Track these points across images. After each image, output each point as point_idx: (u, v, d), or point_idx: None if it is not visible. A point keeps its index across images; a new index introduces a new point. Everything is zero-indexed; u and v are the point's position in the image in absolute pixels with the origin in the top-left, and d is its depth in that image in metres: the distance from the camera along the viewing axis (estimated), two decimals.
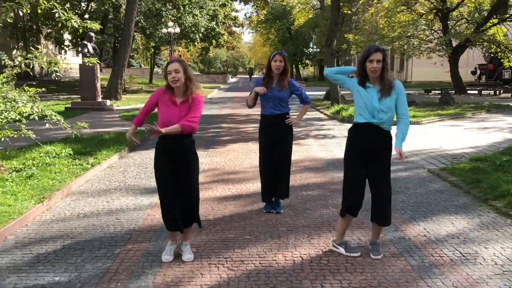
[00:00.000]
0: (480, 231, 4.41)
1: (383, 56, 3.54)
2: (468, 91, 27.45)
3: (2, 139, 6.42)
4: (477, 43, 26.63)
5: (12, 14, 6.09)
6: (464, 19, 27.67)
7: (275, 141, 4.90)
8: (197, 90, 3.66)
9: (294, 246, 4.05)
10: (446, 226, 4.54)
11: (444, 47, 25.94)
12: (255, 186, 6.00)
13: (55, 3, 6.24)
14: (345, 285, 3.31)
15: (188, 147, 3.71)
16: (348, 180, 3.84)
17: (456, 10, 27.02)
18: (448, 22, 27.12)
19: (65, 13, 6.32)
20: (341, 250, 3.88)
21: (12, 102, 6.23)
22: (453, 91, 25.84)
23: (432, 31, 27.88)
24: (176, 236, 3.86)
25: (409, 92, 26.22)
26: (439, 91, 26.03)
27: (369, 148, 3.72)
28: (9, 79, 6.40)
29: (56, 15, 6.20)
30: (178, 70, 3.54)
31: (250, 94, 4.89)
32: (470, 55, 37.92)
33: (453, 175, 6.51)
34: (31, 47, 31.45)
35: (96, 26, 6.66)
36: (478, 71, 37.24)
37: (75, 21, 6.44)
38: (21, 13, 6.23)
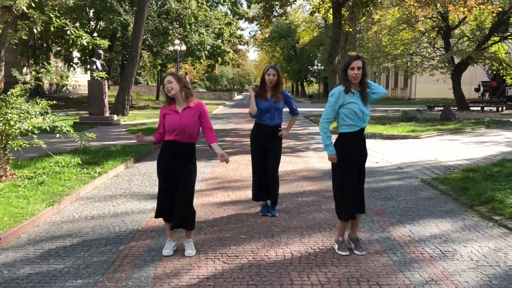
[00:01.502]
0: (462, 232, 4.69)
1: (363, 63, 3.92)
2: (471, 108, 27.74)
3: (15, 149, 6.81)
4: (479, 61, 26.99)
5: (26, 32, 6.51)
6: (466, 37, 28.13)
7: (266, 149, 5.25)
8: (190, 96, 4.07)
9: (285, 244, 4.35)
10: (431, 228, 4.82)
11: (446, 64, 26.35)
12: None
13: (66, 22, 6.66)
14: (330, 276, 3.60)
15: (188, 154, 4.06)
16: (350, 189, 4.03)
17: (458, 28, 27.49)
18: (450, 39, 27.57)
19: (76, 31, 6.73)
20: (336, 247, 4.18)
21: (25, 114, 6.64)
22: (456, 108, 26.14)
23: (435, 49, 28.33)
24: (174, 234, 4.21)
25: (411, 108, 26.55)
26: (442, 108, 26.32)
27: (361, 152, 4.09)
28: (23, 92, 6.81)
29: (68, 32, 6.61)
30: (170, 81, 3.99)
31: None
32: (473, 73, 38.20)
33: (444, 184, 6.79)
34: (42, 63, 32.19)
35: (105, 42, 7.08)
36: (482, 88, 37.53)
37: (85, 38, 6.85)
38: (35, 31, 6.64)
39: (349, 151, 4.08)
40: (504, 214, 5.10)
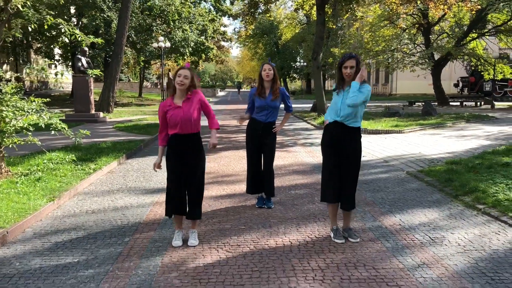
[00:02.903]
0: (449, 220, 4.98)
1: (356, 62, 4.13)
2: (451, 103, 28.42)
3: (10, 146, 6.87)
4: (458, 57, 27.64)
5: (20, 30, 6.57)
6: (446, 33, 28.77)
7: (261, 145, 5.45)
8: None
9: (284, 233, 4.56)
10: (419, 217, 5.09)
11: (427, 60, 26.94)
12: None
13: (61, 20, 6.73)
14: (328, 262, 3.83)
15: (197, 143, 4.25)
16: (327, 172, 4.44)
17: (437, 25, 28.08)
18: (430, 36, 28.16)
19: (70, 29, 6.81)
20: (332, 235, 4.41)
21: (21, 111, 6.70)
22: (436, 103, 26.75)
23: (415, 45, 28.89)
24: (181, 224, 4.36)
25: (393, 104, 27.05)
26: (423, 103, 26.91)
27: (340, 145, 4.38)
28: (17, 90, 6.86)
29: (62, 30, 6.68)
30: (187, 76, 4.11)
31: (246, 113, 5.53)
32: (452, 68, 39.16)
33: (429, 176, 7.09)
34: (23, 61, 31.65)
35: (99, 40, 7.16)
36: (460, 84, 38.36)
37: (79, 36, 6.94)
38: (30, 29, 6.67)
39: (324, 139, 4.45)
40: (487, 203, 5.40)
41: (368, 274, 3.58)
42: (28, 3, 6.15)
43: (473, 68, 33.99)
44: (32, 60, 34.91)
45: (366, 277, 3.54)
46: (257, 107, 5.35)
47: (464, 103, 27.77)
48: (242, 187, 6.54)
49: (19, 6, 6.17)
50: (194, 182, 4.23)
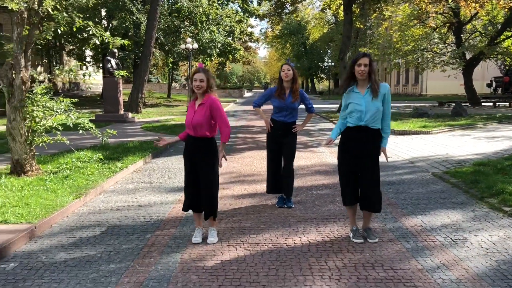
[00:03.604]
0: (472, 222, 4.88)
1: (369, 61, 4.10)
2: (483, 104, 27.67)
3: (40, 145, 7.11)
4: (491, 56, 26.88)
5: (51, 33, 6.80)
6: (478, 32, 28.01)
7: (282, 144, 5.47)
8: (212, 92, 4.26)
9: (302, 233, 4.58)
10: (442, 219, 5.01)
11: (458, 60, 26.30)
12: None
13: (89, 22, 6.93)
14: (346, 262, 3.82)
15: (206, 148, 4.25)
16: (342, 179, 4.44)
17: (469, 24, 27.38)
18: (462, 35, 27.48)
19: (98, 31, 7.01)
20: (351, 235, 4.40)
21: (50, 111, 6.93)
22: (467, 104, 26.11)
23: (446, 44, 28.25)
24: (200, 222, 4.43)
25: (422, 104, 26.56)
26: (453, 103, 26.30)
27: (362, 149, 4.34)
28: (47, 90, 7.11)
29: (90, 32, 6.88)
30: (202, 79, 4.15)
31: (255, 106, 5.59)
32: (485, 68, 38.07)
33: (455, 177, 6.96)
34: (56, 63, 32.60)
35: (125, 42, 7.34)
36: (494, 84, 37.34)
37: (106, 38, 7.12)
38: (59, 31, 6.89)
39: (345, 145, 4.39)
40: None
41: (385, 274, 3.56)
42: (58, 6, 6.36)
43: (507, 67, 33.02)
44: (64, 62, 35.94)
45: (383, 277, 3.51)
46: (276, 107, 5.38)
47: (497, 103, 26.99)
48: (263, 187, 6.57)
49: (50, 10, 6.38)
50: (205, 182, 4.27)
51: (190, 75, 4.36)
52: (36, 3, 6.31)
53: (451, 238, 4.37)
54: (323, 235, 4.50)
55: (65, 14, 6.49)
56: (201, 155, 4.25)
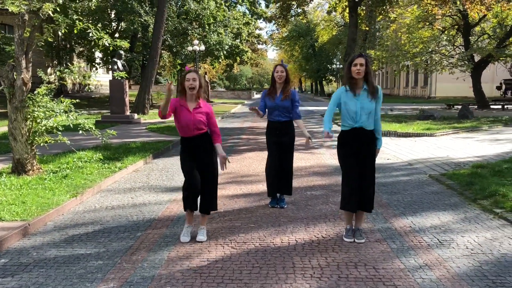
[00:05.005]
0: (462, 223, 4.89)
1: (366, 61, 4.15)
2: (492, 106, 27.43)
3: (42, 145, 7.25)
4: (500, 58, 26.66)
5: (52, 35, 6.95)
6: (486, 35, 27.79)
7: (280, 144, 5.52)
8: (202, 95, 4.37)
9: (291, 232, 4.63)
10: (432, 220, 5.03)
11: (466, 62, 26.12)
12: (265, 186, 6.57)
13: (89, 24, 7.06)
14: (330, 261, 3.87)
15: (203, 143, 4.39)
16: (345, 183, 4.41)
17: (478, 26, 27.18)
18: (470, 37, 27.28)
19: (98, 33, 7.13)
20: (343, 233, 4.48)
21: (51, 111, 7.06)
22: (476, 106, 25.92)
23: (454, 47, 28.07)
24: (191, 219, 4.50)
25: (430, 107, 26.43)
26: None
27: (360, 150, 4.38)
28: (48, 91, 7.24)
29: (90, 34, 7.00)
30: (195, 78, 4.28)
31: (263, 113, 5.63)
32: (494, 71, 37.78)
33: (451, 179, 6.95)
34: (66, 64, 33.03)
35: (125, 43, 7.46)
36: (503, 86, 36.96)
37: (106, 40, 7.24)
38: (59, 33, 7.02)
39: (344, 148, 4.41)
40: (505, 207, 5.26)
41: (367, 274, 3.60)
42: (58, 9, 6.50)
43: None
44: (74, 63, 36.32)
45: (364, 276, 3.56)
46: (269, 107, 5.44)
47: (506, 106, 26.75)
48: (259, 187, 6.65)
49: (50, 12, 6.51)
50: (210, 177, 4.37)
51: (180, 80, 4.47)
52: (36, 6, 6.45)
53: (438, 239, 4.39)
54: (311, 235, 4.55)
55: (65, 17, 6.61)
56: (203, 151, 4.37)
